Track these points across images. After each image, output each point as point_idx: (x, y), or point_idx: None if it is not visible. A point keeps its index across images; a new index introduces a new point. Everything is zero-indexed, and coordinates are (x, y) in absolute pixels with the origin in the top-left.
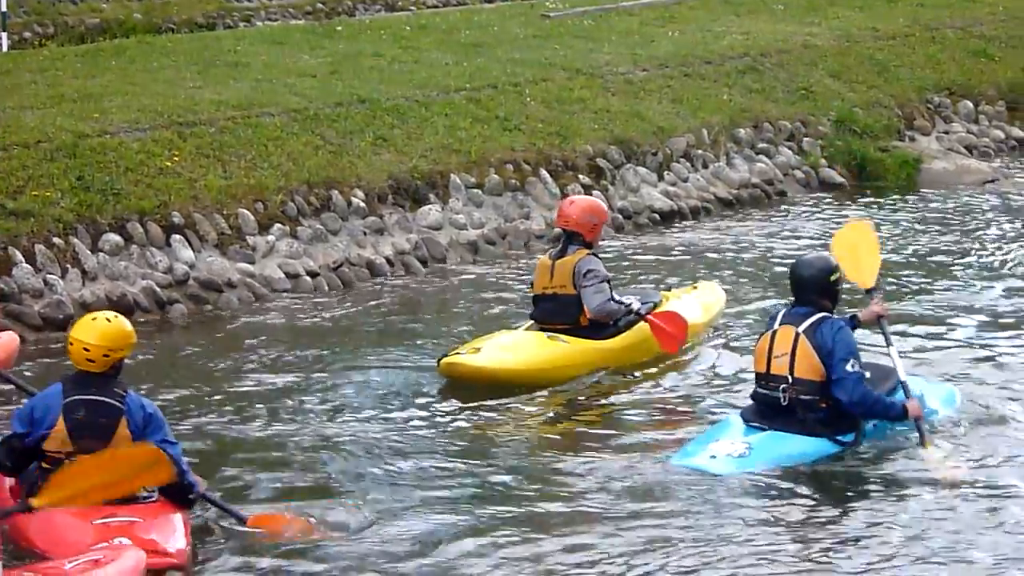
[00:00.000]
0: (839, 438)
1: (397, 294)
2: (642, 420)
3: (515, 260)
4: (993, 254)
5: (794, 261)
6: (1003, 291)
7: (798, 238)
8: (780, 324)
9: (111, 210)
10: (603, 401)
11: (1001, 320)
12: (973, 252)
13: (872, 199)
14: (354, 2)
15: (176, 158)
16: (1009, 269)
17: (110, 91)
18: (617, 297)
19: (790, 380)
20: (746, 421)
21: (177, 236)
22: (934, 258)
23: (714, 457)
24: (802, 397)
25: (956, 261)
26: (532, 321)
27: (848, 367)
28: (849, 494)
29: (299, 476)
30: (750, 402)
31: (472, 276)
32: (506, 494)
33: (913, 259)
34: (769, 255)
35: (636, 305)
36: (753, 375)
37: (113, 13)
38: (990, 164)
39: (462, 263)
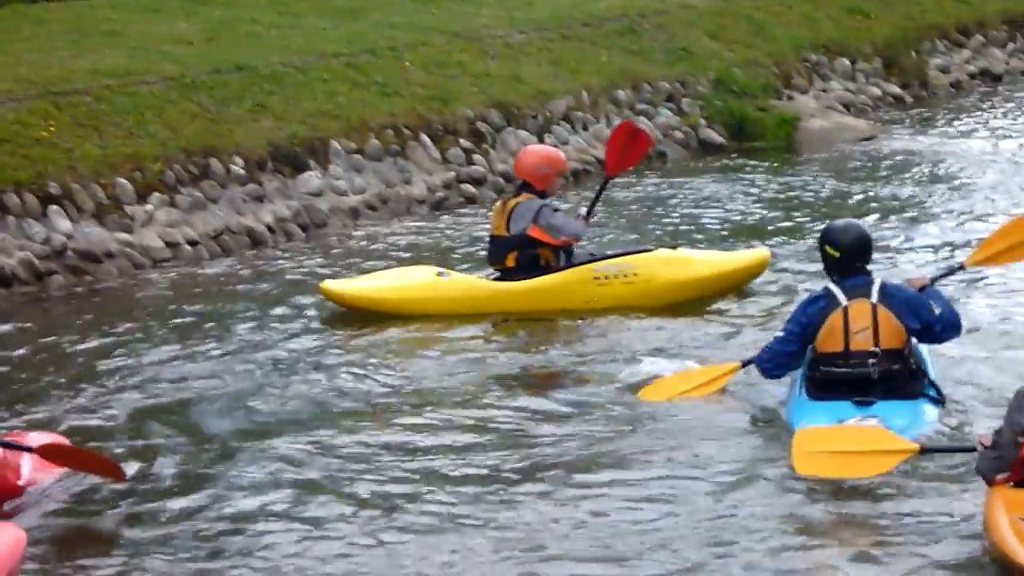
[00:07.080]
0: (933, 395)
1: (279, 261)
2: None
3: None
4: (869, 208)
5: (832, 232)
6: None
7: (680, 195)
8: (849, 299)
9: None
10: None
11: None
12: (854, 207)
13: (751, 158)
14: None
15: (52, 128)
16: (880, 222)
17: None
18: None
19: (879, 353)
20: (838, 398)
21: (54, 207)
22: (816, 214)
23: None
24: (893, 367)
25: (835, 216)
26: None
27: (933, 308)
28: None
29: (187, 442)
30: (810, 385)
31: (354, 240)
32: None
33: (795, 215)
34: (656, 214)
35: (583, 211)
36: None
37: None
38: (868, 121)
39: (344, 228)
